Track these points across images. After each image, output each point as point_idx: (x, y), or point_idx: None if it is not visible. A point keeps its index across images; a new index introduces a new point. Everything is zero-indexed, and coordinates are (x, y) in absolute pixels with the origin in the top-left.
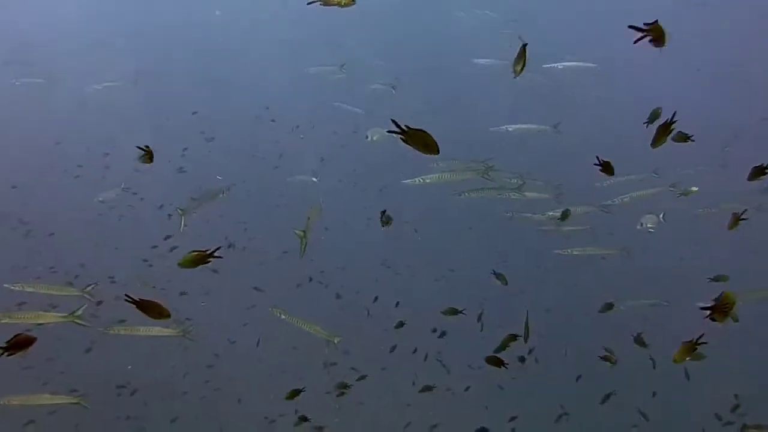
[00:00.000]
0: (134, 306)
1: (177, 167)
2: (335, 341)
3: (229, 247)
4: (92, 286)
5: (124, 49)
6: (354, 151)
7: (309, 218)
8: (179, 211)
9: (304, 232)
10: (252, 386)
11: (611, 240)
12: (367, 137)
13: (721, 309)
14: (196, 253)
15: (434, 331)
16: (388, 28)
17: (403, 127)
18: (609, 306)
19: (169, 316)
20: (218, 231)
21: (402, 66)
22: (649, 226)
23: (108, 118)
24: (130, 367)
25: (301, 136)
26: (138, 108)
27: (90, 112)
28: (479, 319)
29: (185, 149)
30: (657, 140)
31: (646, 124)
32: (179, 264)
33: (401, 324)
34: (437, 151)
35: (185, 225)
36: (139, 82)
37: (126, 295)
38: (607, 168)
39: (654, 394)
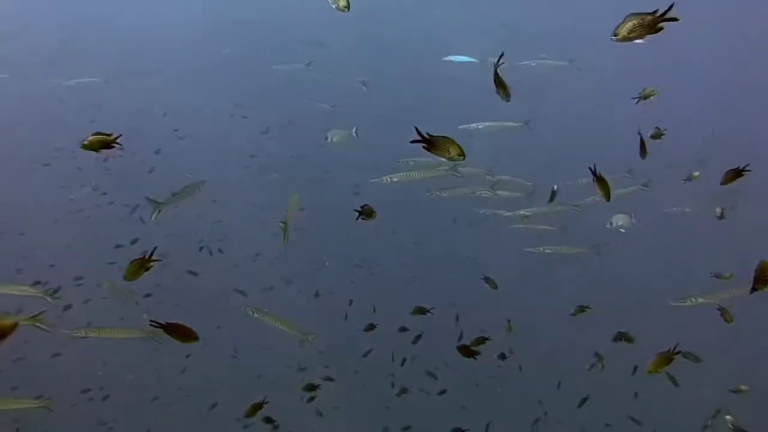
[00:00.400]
0: (162, 330)
1: (148, 166)
2: (310, 339)
3: (201, 249)
4: (53, 288)
5: (96, 45)
6: (330, 150)
7: (289, 210)
8: (153, 203)
9: (285, 223)
10: (226, 390)
11: (586, 240)
12: (326, 138)
13: (762, 278)
14: (136, 261)
15: (403, 329)
16: (370, 27)
17: (426, 135)
18: (581, 309)
19: (197, 338)
20: (195, 233)
21: (383, 64)
22: (619, 225)
23: (79, 115)
24: (100, 372)
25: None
26: (110, 106)
27: (61, 109)
28: (457, 319)
29: (158, 151)
30: (642, 152)
31: (636, 100)
32: (125, 278)
33: (371, 327)
34: (463, 157)
35: (155, 218)
36: (110, 79)
37: (151, 321)
38: (601, 183)
39: (636, 395)
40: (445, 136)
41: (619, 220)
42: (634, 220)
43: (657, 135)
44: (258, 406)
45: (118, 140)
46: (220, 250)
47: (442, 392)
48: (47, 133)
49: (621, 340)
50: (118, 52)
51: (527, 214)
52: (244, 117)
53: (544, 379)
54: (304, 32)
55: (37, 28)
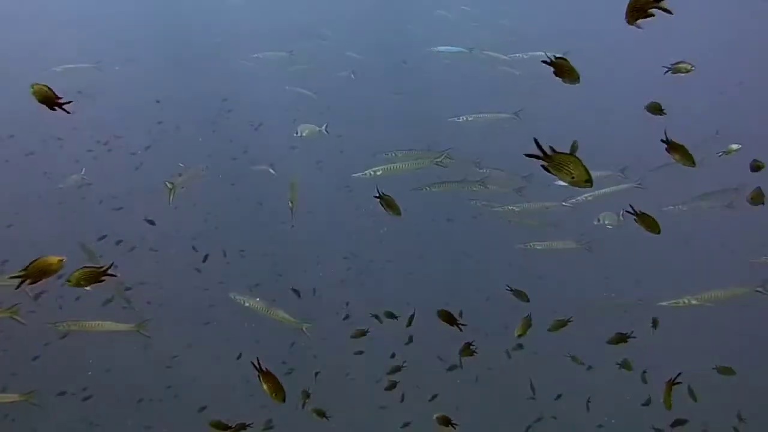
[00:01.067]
0: (260, 374)
1: (137, 155)
2: (304, 328)
3: (194, 248)
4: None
5: (86, 32)
6: (320, 143)
7: (292, 191)
8: (168, 185)
9: (291, 202)
10: (215, 390)
11: (580, 238)
12: (296, 133)
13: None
14: (88, 269)
15: (391, 316)
16: (365, 20)
17: (547, 151)
18: (561, 323)
19: (283, 399)
20: (186, 228)
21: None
22: (607, 222)
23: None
24: (90, 372)
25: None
26: (100, 94)
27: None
28: (461, 314)
29: (148, 147)
30: (671, 150)
31: (666, 69)
32: (69, 283)
33: (364, 332)
34: (590, 184)
35: (173, 199)
36: (101, 66)
37: (252, 362)
38: (644, 218)
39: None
40: (570, 154)
41: (607, 217)
42: (622, 217)
43: (657, 109)
44: (224, 426)
45: (64, 105)
46: (223, 252)
47: (434, 397)
48: (35, 123)
49: (619, 342)
50: (105, 41)
51: (516, 209)
52: (229, 111)
53: (543, 380)
54: (294, 23)
55: (27, 13)
